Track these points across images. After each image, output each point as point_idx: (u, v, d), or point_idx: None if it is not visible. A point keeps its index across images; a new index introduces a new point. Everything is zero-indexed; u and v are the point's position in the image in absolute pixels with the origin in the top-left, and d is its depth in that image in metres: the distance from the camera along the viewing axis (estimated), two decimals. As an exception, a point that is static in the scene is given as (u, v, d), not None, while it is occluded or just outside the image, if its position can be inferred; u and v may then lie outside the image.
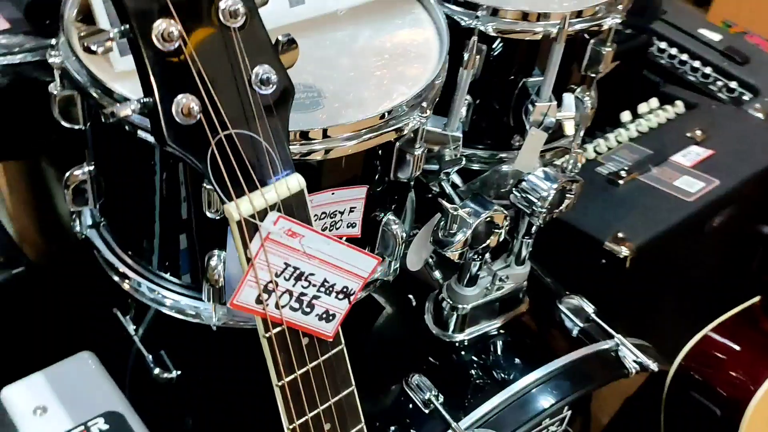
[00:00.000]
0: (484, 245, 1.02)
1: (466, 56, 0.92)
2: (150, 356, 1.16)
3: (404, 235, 0.96)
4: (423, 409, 1.06)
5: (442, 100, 0.94)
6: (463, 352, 1.13)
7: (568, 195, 1.08)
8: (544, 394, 1.08)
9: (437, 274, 1.16)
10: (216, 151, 0.53)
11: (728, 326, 1.19)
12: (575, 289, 1.40)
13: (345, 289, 0.60)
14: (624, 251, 1.36)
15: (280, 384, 0.58)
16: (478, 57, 1.00)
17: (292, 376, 0.58)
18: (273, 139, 0.54)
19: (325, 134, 0.81)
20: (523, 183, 1.06)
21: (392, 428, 1.06)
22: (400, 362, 1.13)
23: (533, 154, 1.08)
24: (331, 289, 0.59)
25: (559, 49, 1.01)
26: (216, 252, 0.82)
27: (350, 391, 0.63)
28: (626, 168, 1.51)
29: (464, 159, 1.05)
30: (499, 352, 1.14)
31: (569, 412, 1.16)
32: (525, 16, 1.03)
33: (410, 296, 1.17)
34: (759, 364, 1.12)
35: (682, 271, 1.48)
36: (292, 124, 0.70)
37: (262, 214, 0.53)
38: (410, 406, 1.06)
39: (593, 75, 1.12)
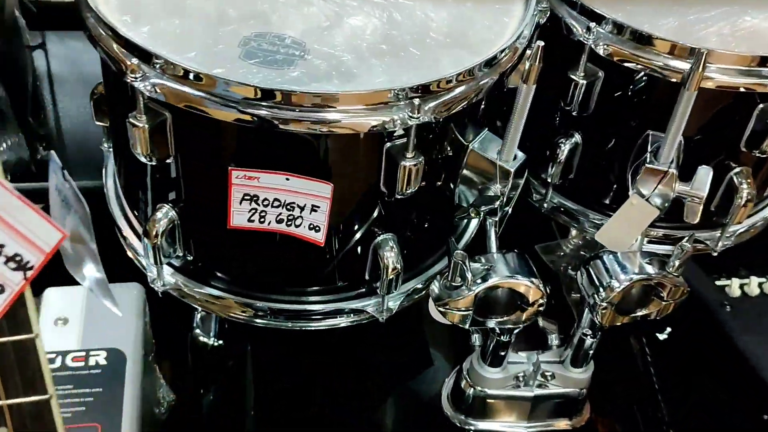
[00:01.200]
0: (500, 319, 0.77)
1: (527, 65, 0.68)
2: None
3: (396, 266, 0.75)
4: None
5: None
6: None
7: (656, 298, 0.78)
8: None
9: (476, 338, 0.92)
10: None
11: None
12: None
13: (22, 262, 0.44)
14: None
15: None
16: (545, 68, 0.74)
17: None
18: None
19: (269, 96, 0.64)
20: (593, 262, 0.78)
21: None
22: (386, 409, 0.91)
23: (628, 228, 0.80)
24: (8, 260, 0.44)
25: (688, 98, 0.72)
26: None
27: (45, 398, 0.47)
28: None
29: (511, 202, 0.80)
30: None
31: None
32: (652, 41, 0.74)
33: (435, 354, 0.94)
34: None
35: None
36: (247, 77, 0.58)
37: None
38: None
39: (758, 154, 0.79)
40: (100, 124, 0.85)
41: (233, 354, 1.15)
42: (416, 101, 0.64)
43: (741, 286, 1.23)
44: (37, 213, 0.42)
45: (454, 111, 0.68)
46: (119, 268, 0.97)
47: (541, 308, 0.76)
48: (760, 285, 1.23)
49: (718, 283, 1.23)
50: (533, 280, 0.74)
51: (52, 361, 1.06)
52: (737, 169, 0.83)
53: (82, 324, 1.10)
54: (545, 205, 0.91)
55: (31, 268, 0.42)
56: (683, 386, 1.19)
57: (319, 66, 0.66)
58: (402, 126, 0.64)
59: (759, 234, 1.38)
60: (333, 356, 1.07)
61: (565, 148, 0.85)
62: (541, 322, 0.91)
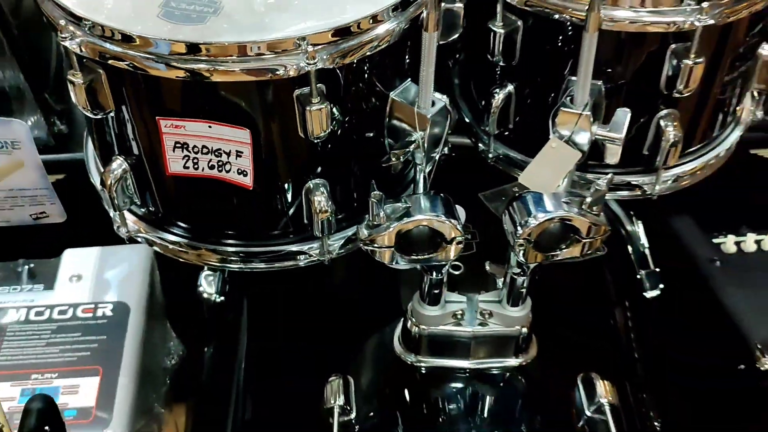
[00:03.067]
0: (425, 256, 0.83)
1: (424, 12, 0.74)
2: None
3: (326, 209, 0.82)
4: (325, 413, 0.91)
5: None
6: (407, 378, 0.94)
7: (577, 238, 0.82)
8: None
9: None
10: None
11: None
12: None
13: None
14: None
15: None
16: (456, 16, 0.79)
17: None
18: None
19: (193, 50, 0.72)
20: (515, 202, 0.83)
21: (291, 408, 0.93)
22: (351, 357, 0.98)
23: (550, 171, 0.84)
24: None
25: (590, 40, 0.76)
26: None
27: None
28: None
29: (438, 147, 0.84)
30: (447, 393, 0.92)
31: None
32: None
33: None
34: None
35: None
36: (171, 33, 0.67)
37: None
38: (316, 393, 0.93)
39: (678, 95, 0.82)
40: (17, 120, 0.94)
41: (232, 307, 1.24)
42: (310, 48, 0.70)
43: (737, 243, 1.23)
44: None
45: (356, 58, 0.74)
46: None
47: (460, 245, 0.81)
48: (757, 242, 1.23)
49: (715, 240, 1.24)
50: (451, 219, 0.79)
51: (64, 312, 1.18)
52: (664, 112, 0.85)
53: (93, 280, 1.23)
54: (489, 155, 0.95)
55: None
56: (666, 342, 1.21)
57: (231, 20, 0.73)
58: (297, 71, 0.71)
59: (758, 190, 1.38)
60: (312, 304, 1.15)
61: (498, 99, 0.89)
62: (488, 267, 0.96)
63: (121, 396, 1.08)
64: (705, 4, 0.75)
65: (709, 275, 1.19)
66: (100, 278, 1.24)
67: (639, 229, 1.27)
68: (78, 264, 1.25)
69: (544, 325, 1.03)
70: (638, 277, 1.22)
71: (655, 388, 1.14)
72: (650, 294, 1.19)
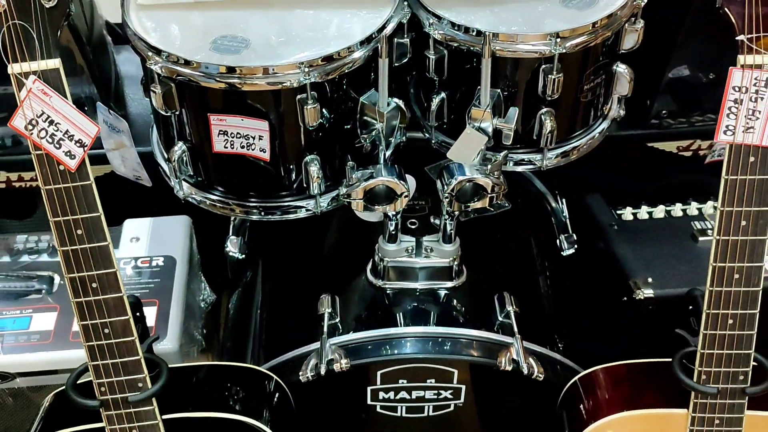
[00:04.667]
0: (384, 206, 1.26)
1: (380, 45, 1.18)
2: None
3: (319, 175, 1.25)
4: (317, 319, 1.34)
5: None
6: (375, 295, 1.37)
7: (485, 194, 1.26)
8: (414, 344, 1.28)
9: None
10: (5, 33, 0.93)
11: (638, 367, 1.23)
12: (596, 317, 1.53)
13: (80, 141, 0.97)
14: (640, 294, 1.43)
15: (46, 189, 0.98)
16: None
17: (52, 186, 0.98)
18: (42, 33, 0.93)
19: (231, 71, 1.15)
20: (444, 170, 1.27)
21: (295, 322, 1.36)
22: (337, 282, 1.41)
23: (467, 150, 1.27)
24: (72, 137, 0.97)
25: (486, 63, 1.19)
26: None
27: (97, 215, 1.01)
28: None
29: (394, 135, 1.27)
30: (403, 305, 1.35)
31: (463, 386, 1.34)
32: (467, 30, 1.20)
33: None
34: (610, 405, 1.18)
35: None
36: (218, 60, 1.11)
37: (27, 75, 0.94)
38: (312, 313, 1.35)
39: (549, 98, 1.25)
40: (121, 118, 1.37)
41: (250, 264, 1.66)
42: (306, 69, 1.14)
43: (633, 213, 1.65)
44: (86, 118, 0.94)
45: (337, 75, 1.18)
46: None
47: (406, 198, 1.24)
48: (649, 212, 1.64)
49: (617, 211, 1.66)
50: (400, 180, 1.23)
51: (127, 263, 1.60)
52: (544, 110, 1.28)
53: (148, 241, 1.64)
54: (432, 141, 1.39)
55: (85, 145, 0.95)
56: (571, 282, 1.63)
57: (256, 52, 1.17)
58: (299, 84, 1.15)
59: (653, 174, 1.78)
60: (310, 260, 1.58)
61: (435, 102, 1.33)
62: (432, 219, 1.39)
63: (172, 320, 1.49)
64: (559, 40, 1.19)
65: (608, 235, 1.60)
66: (153, 239, 1.66)
67: (562, 205, 1.68)
68: (136, 230, 1.67)
69: (476, 267, 1.45)
70: (558, 240, 1.62)
71: (559, 317, 1.56)
72: (566, 252, 1.58)
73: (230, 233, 1.62)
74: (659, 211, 1.61)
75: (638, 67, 1.33)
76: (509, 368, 1.25)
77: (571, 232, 1.57)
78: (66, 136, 0.94)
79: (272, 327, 1.47)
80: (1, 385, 1.42)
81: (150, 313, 1.49)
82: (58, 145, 0.94)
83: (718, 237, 1.02)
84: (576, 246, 1.56)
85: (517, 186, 1.53)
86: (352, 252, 1.50)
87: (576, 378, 1.25)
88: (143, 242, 1.62)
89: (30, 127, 0.93)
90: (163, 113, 1.20)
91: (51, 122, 0.93)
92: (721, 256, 1.03)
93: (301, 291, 1.48)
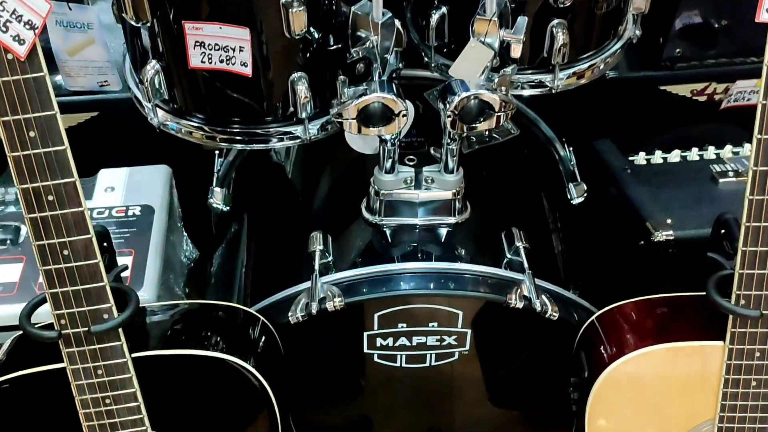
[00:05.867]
0: (381, 127, 1.13)
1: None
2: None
3: (307, 96, 1.12)
4: (308, 258, 1.21)
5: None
6: (372, 233, 1.24)
7: (489, 112, 1.13)
8: (414, 281, 1.15)
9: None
10: None
11: (661, 302, 1.11)
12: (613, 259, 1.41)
13: (30, 22, 0.84)
14: (659, 236, 1.31)
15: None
16: None
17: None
18: None
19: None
20: (445, 85, 1.14)
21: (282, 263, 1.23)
22: (329, 222, 1.28)
23: (472, 65, 1.14)
24: (20, 18, 0.84)
25: (487, -43, 1.07)
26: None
27: (52, 114, 0.88)
28: (738, 170, 1.42)
29: (388, 53, 1.14)
30: (402, 242, 1.22)
31: (468, 330, 1.21)
32: None
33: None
34: (631, 341, 1.05)
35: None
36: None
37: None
38: (303, 251, 1.22)
39: (561, 6, 1.13)
40: (89, 6, 1.24)
41: (236, 218, 1.54)
42: (292, -35, 1.02)
43: (647, 159, 1.54)
44: None
45: (324, -26, 1.05)
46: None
47: (405, 117, 1.11)
48: (663, 157, 1.53)
49: (630, 157, 1.55)
50: (395, 96, 1.10)
51: (102, 212, 1.48)
52: (555, 21, 1.16)
53: (124, 191, 1.52)
54: (432, 65, 1.26)
55: (35, 27, 0.82)
56: (585, 228, 1.51)
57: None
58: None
59: (666, 119, 1.67)
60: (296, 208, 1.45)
61: (434, 18, 1.20)
62: (432, 150, 1.27)
63: (149, 270, 1.37)
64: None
65: (621, 179, 1.48)
66: (129, 189, 1.54)
67: (569, 152, 1.57)
68: (111, 180, 1.55)
69: (484, 205, 1.33)
70: (566, 189, 1.51)
71: (572, 260, 1.44)
72: (576, 201, 1.47)
73: (214, 184, 1.49)
74: (674, 156, 1.51)
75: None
76: (520, 305, 1.12)
77: (579, 180, 1.44)
78: (13, 16, 0.81)
79: (259, 273, 1.34)
80: (-40, 342, 1.28)
81: (126, 263, 1.36)
82: (4, 29, 0.81)
83: (759, 136, 0.90)
84: (586, 195, 1.44)
85: (523, 132, 1.41)
86: (343, 190, 1.38)
87: (595, 316, 1.13)
88: (119, 192, 1.51)
89: (-31, 8, 0.80)
90: (133, 24, 1.07)
91: (-5, 0, 0.80)
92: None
93: (290, 233, 1.35)
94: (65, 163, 0.87)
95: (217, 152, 1.51)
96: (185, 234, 1.59)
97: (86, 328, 0.93)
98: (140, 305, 0.96)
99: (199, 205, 1.57)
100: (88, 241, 0.90)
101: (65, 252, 0.90)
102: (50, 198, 0.88)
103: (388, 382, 1.26)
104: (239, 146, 1.17)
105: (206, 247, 1.64)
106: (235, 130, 1.16)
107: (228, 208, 1.47)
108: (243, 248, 1.45)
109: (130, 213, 1.48)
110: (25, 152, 0.86)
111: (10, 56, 0.83)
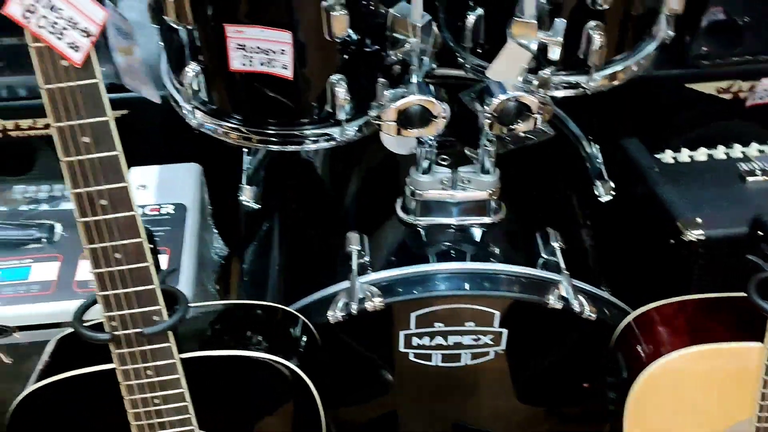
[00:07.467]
0: (420, 129, 1.14)
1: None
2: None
3: (347, 98, 1.13)
4: (344, 258, 1.22)
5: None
6: (407, 233, 1.25)
7: (527, 114, 1.14)
8: (451, 281, 1.16)
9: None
10: None
11: (694, 303, 1.12)
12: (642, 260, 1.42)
13: (86, 30, 0.85)
14: (690, 235, 1.32)
15: (47, 88, 0.86)
16: None
17: (53, 86, 0.86)
18: None
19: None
20: (482, 87, 1.15)
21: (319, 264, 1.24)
22: (363, 221, 1.29)
23: (509, 67, 1.15)
24: (76, 25, 0.85)
25: (528, -40, 1.07)
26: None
27: (105, 120, 0.89)
28: (765, 169, 1.43)
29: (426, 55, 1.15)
30: (438, 241, 1.23)
31: (504, 330, 1.22)
32: None
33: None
34: (671, 342, 1.06)
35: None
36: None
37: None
38: (340, 251, 1.23)
39: (599, 9, 1.13)
40: (155, 25, 1.26)
41: (266, 215, 1.55)
42: (336, -31, 1.02)
43: (674, 157, 1.55)
44: (92, 2, 0.83)
45: (366, -21, 1.06)
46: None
47: (444, 119, 1.12)
48: (690, 156, 1.54)
49: (656, 155, 1.56)
50: (434, 99, 1.11)
51: (134, 211, 1.48)
52: (592, 23, 1.17)
53: (155, 189, 1.53)
54: (467, 66, 1.27)
55: (92, 34, 0.83)
56: (614, 227, 1.52)
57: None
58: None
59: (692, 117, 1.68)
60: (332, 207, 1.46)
61: (470, 19, 1.21)
62: (466, 151, 1.28)
63: (184, 268, 1.38)
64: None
65: (649, 178, 1.49)
66: (160, 187, 1.55)
67: (595, 150, 1.57)
68: (143, 178, 1.56)
69: (517, 204, 1.34)
70: (594, 187, 1.51)
71: (602, 258, 1.45)
72: (604, 199, 1.48)
73: (243, 182, 1.50)
74: (701, 154, 1.52)
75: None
76: (559, 306, 1.13)
77: (606, 177, 1.45)
78: (69, 23, 0.82)
79: (293, 271, 1.35)
80: (-1, 341, 1.30)
81: (162, 262, 1.38)
82: (60, 36, 0.82)
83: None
84: (613, 192, 1.44)
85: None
86: (375, 189, 1.39)
87: (632, 316, 1.14)
88: (150, 190, 1.52)
89: (28, 14, 0.81)
90: (174, 26, 1.08)
91: (52, 7, 0.81)
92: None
93: (324, 233, 1.36)
94: (118, 168, 0.88)
95: (245, 150, 1.52)
96: (215, 231, 1.60)
97: (138, 330, 0.94)
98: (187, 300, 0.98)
99: (226, 202, 1.58)
100: (139, 244, 0.91)
101: (117, 255, 0.91)
102: (103, 202, 0.89)
103: (419, 380, 1.27)
104: (275, 148, 1.17)
105: (235, 243, 1.65)
106: (270, 132, 1.17)
107: (258, 205, 1.47)
108: (275, 246, 1.46)
109: (163, 211, 1.49)
110: (79, 157, 0.87)
111: (65, 63, 0.83)
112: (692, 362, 1.04)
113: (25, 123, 1.60)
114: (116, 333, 0.95)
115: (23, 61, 1.67)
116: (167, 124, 1.48)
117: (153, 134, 1.66)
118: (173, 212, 1.47)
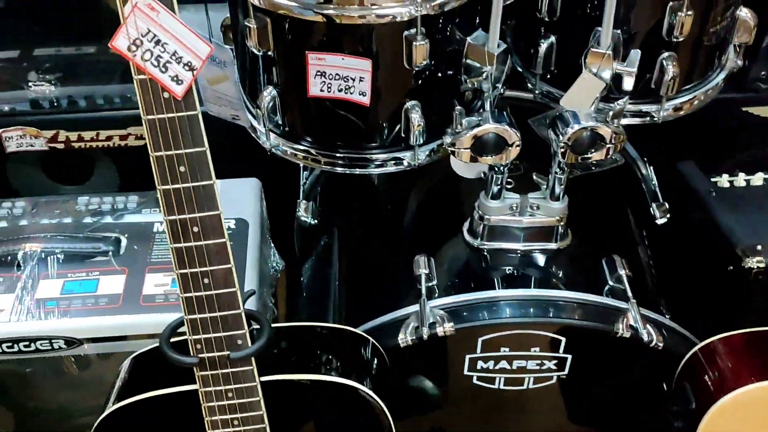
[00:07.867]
0: (494, 157, 1.15)
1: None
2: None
3: (420, 123, 1.15)
4: (411, 281, 1.24)
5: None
6: (474, 257, 1.27)
7: (602, 144, 1.15)
8: (518, 307, 1.18)
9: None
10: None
11: (760, 335, 1.13)
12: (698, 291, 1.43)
13: (189, 64, 0.87)
14: (750, 262, 1.32)
15: (148, 119, 0.88)
16: None
17: (155, 116, 0.88)
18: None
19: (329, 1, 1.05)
20: (556, 116, 1.16)
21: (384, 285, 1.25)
22: (428, 243, 1.31)
23: (583, 96, 1.16)
24: (180, 60, 0.87)
25: (610, 1, 1.08)
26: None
27: (202, 150, 0.91)
28: None
29: (499, 82, 1.16)
30: (505, 267, 1.25)
31: (569, 356, 1.23)
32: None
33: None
34: (741, 375, 1.07)
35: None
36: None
37: (134, -12, 0.84)
38: (403, 272, 1.25)
39: (674, 41, 1.14)
40: (227, 46, 1.28)
41: (323, 231, 1.57)
42: (419, 0, 1.04)
43: (730, 181, 1.55)
44: (198, 37, 0.85)
45: (446, 9, 1.08)
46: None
47: (518, 147, 1.14)
48: (746, 180, 1.54)
49: (712, 179, 1.56)
50: (509, 127, 1.12)
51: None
52: (665, 54, 1.18)
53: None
54: (536, 91, 1.28)
55: (194, 68, 0.85)
56: (672, 251, 1.53)
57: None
58: (409, 16, 1.04)
59: (748, 141, 1.69)
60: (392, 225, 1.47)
61: (542, 47, 1.22)
62: (534, 176, 1.29)
63: (248, 284, 1.40)
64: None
65: (707, 202, 1.49)
66: (224, 201, 1.56)
67: (650, 172, 1.58)
68: (203, 193, 1.57)
69: (580, 230, 1.35)
70: (651, 209, 1.52)
71: (663, 286, 1.45)
72: (660, 221, 1.48)
73: (301, 197, 1.52)
74: (758, 179, 1.51)
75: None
76: (627, 335, 1.14)
77: (662, 200, 1.46)
78: (173, 57, 0.84)
79: (355, 291, 1.37)
80: (67, 351, 1.32)
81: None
82: (164, 69, 0.84)
83: None
84: (669, 215, 1.45)
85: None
86: (439, 211, 1.40)
87: (699, 347, 1.14)
88: (212, 205, 1.52)
89: (133, 48, 0.83)
90: (255, 52, 1.10)
91: (157, 42, 0.83)
92: None
93: (386, 252, 1.37)
94: (212, 197, 0.90)
95: (302, 165, 1.54)
96: (273, 246, 1.62)
97: (223, 353, 0.96)
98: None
99: (281, 216, 1.59)
100: (228, 270, 0.93)
101: (206, 280, 0.93)
102: (195, 229, 0.91)
103: (476, 400, 1.29)
104: (340, 170, 1.19)
105: (292, 258, 1.66)
106: (339, 155, 1.19)
107: (315, 221, 1.49)
108: (335, 263, 1.48)
109: (225, 226, 1.50)
110: (175, 186, 0.89)
111: (166, 95, 0.85)
112: (763, 396, 1.04)
113: (88, 135, 1.62)
114: (201, 355, 0.97)
115: (82, 71, 1.70)
116: (219, 138, 1.49)
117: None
118: (234, 227, 1.48)
